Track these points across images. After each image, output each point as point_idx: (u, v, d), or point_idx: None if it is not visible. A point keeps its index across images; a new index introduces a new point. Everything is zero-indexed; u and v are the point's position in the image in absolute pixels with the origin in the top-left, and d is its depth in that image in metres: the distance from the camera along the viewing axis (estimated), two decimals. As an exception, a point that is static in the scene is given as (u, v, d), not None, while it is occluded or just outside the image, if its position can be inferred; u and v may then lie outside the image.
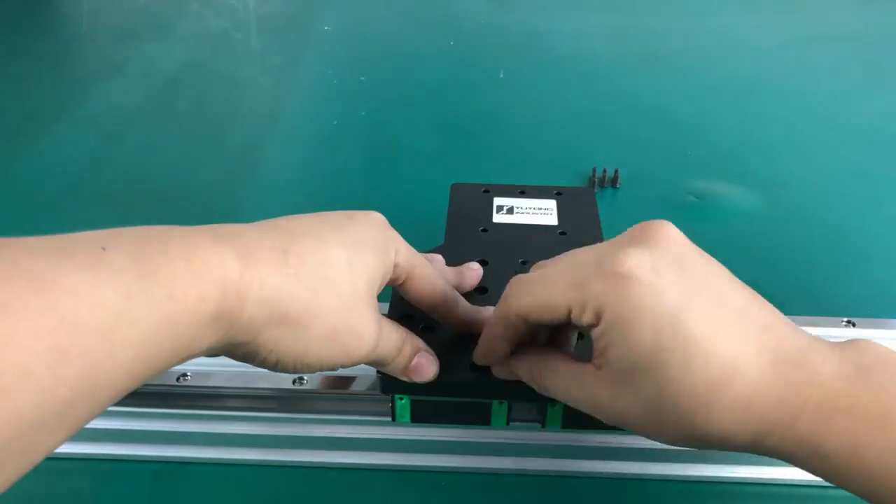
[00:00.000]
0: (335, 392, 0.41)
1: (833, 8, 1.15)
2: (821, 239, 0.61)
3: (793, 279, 0.57)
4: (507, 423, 0.38)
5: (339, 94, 0.89)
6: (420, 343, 0.35)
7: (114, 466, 0.42)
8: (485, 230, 0.47)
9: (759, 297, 0.30)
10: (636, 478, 0.42)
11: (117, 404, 0.42)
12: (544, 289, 0.30)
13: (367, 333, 0.31)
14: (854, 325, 0.46)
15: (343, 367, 0.32)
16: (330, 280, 0.30)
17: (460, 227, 0.46)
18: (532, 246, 0.45)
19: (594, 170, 0.68)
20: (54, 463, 0.41)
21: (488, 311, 0.37)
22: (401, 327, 0.34)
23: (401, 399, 0.37)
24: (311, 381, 0.41)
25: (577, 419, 0.37)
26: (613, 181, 0.68)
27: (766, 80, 0.92)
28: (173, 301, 0.24)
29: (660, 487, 0.41)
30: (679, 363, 0.27)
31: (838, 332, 0.45)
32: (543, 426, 0.38)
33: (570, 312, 0.29)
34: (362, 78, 0.93)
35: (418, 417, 0.38)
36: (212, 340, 0.27)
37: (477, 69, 0.95)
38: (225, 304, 0.26)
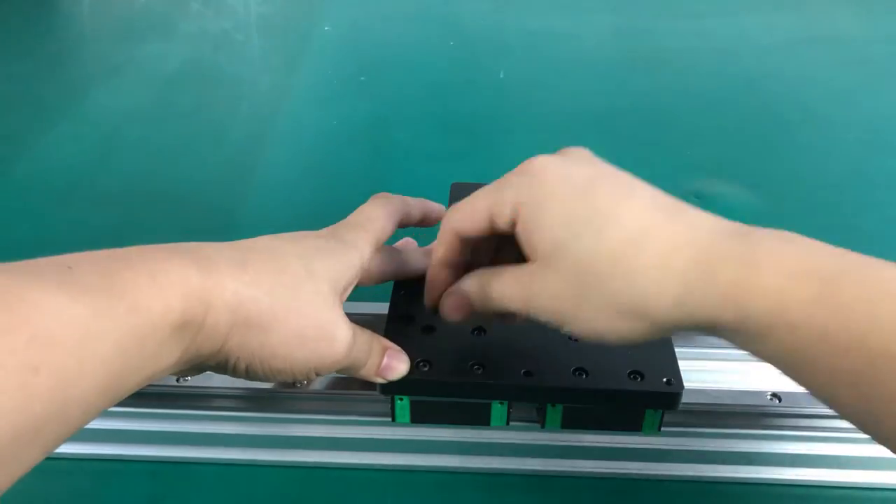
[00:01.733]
0: (335, 392, 0.41)
1: (833, 8, 1.15)
2: (820, 239, 0.61)
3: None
4: (507, 423, 0.38)
5: (339, 94, 0.89)
6: (387, 342, 0.36)
7: (113, 466, 0.42)
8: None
9: (680, 204, 0.30)
10: (636, 478, 0.41)
11: (118, 405, 0.43)
12: (468, 203, 0.33)
13: (339, 337, 0.32)
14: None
15: (318, 373, 0.32)
16: (288, 286, 0.30)
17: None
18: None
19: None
20: (54, 463, 0.41)
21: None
22: (366, 329, 0.35)
23: (401, 399, 0.37)
24: (310, 382, 0.41)
25: (577, 419, 0.37)
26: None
27: (765, 80, 0.92)
28: (138, 313, 0.25)
29: (660, 487, 0.41)
30: (592, 232, 0.28)
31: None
32: (543, 426, 0.38)
33: (492, 219, 0.31)
34: (362, 78, 0.93)
35: (418, 417, 0.38)
36: (179, 352, 0.27)
37: (477, 69, 0.95)
38: (188, 312, 0.27)
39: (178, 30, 1.09)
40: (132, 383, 0.26)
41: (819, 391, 0.25)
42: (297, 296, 0.30)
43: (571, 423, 0.38)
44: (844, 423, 0.40)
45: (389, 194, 0.39)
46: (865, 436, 0.38)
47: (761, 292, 0.25)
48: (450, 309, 0.34)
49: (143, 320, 0.25)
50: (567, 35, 1.05)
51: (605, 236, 0.28)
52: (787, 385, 0.43)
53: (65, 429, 0.23)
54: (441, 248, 0.34)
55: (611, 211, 0.28)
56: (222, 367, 0.30)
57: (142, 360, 0.25)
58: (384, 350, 0.35)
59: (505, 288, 0.31)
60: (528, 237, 0.30)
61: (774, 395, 0.41)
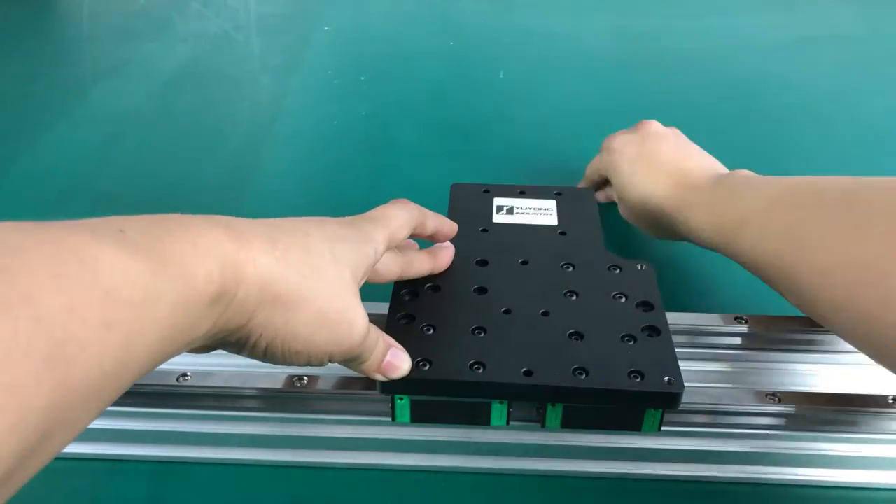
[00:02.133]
0: (335, 392, 0.41)
1: (833, 8, 1.15)
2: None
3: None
4: (507, 423, 0.38)
5: (339, 94, 0.89)
6: (391, 340, 0.36)
7: (113, 466, 0.42)
8: (485, 230, 0.47)
9: (693, 153, 0.53)
10: (636, 478, 0.41)
11: (117, 404, 0.43)
12: (592, 163, 0.60)
13: (357, 322, 0.32)
14: (854, 325, 0.45)
15: (332, 359, 0.32)
16: (315, 267, 0.31)
17: (460, 227, 0.46)
18: (532, 246, 0.45)
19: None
20: (54, 463, 0.41)
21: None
22: (377, 328, 0.35)
23: (401, 399, 0.37)
24: (311, 382, 0.41)
25: (577, 419, 0.37)
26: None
27: (766, 80, 0.92)
28: (185, 279, 0.25)
29: (660, 487, 0.41)
30: (629, 189, 0.53)
31: (838, 332, 0.45)
32: (543, 426, 0.38)
33: (599, 173, 0.59)
34: (362, 78, 0.93)
35: (418, 417, 0.38)
36: (210, 323, 0.27)
37: (477, 69, 0.95)
38: (224, 283, 0.27)
39: (178, 30, 1.09)
40: (173, 350, 0.26)
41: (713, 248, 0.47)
42: (322, 277, 0.31)
43: (571, 422, 0.38)
44: (845, 423, 0.40)
45: (409, 201, 0.40)
46: (865, 436, 0.38)
47: (690, 200, 0.48)
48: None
49: (190, 287, 0.25)
50: (567, 35, 1.05)
51: (635, 191, 0.52)
52: (787, 385, 0.43)
53: (120, 389, 0.23)
54: (585, 182, 0.62)
55: (639, 180, 0.52)
56: (242, 344, 0.30)
57: (186, 327, 0.25)
58: (388, 347, 0.35)
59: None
60: (615, 183, 0.56)
61: (774, 395, 0.41)
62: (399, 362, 0.35)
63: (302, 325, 0.30)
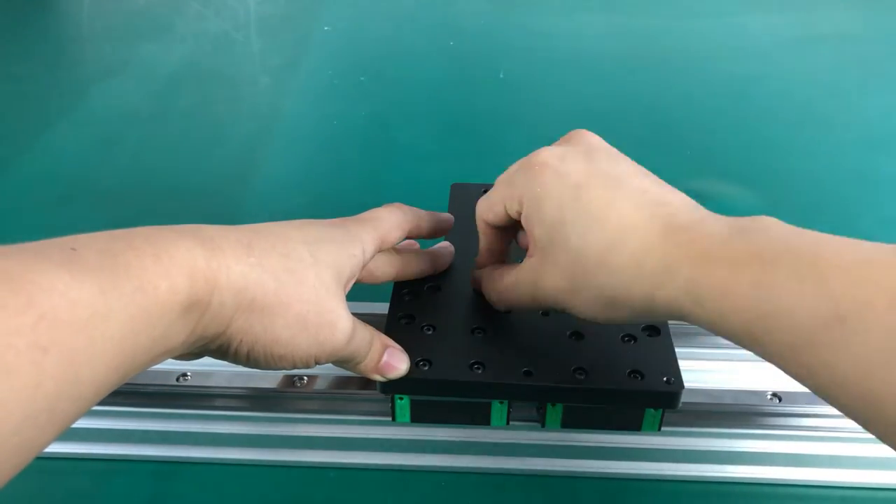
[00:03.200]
0: (335, 392, 0.41)
1: (833, 8, 1.15)
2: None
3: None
4: (507, 423, 0.38)
5: (339, 94, 0.89)
6: (388, 340, 0.36)
7: (114, 466, 0.42)
8: (485, 230, 0.47)
9: (666, 185, 0.34)
10: (636, 478, 0.41)
11: (116, 404, 0.43)
12: (489, 195, 0.37)
13: (340, 325, 0.32)
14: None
15: (318, 361, 0.32)
16: (293, 271, 0.31)
17: (460, 227, 0.46)
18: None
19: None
20: (54, 463, 0.41)
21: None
22: (368, 325, 0.35)
23: (401, 399, 0.37)
24: (311, 382, 0.41)
25: (577, 419, 0.37)
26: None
27: (766, 79, 0.92)
28: (145, 293, 0.25)
29: (660, 487, 0.41)
30: (580, 231, 0.31)
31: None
32: (543, 426, 0.38)
33: (506, 210, 0.35)
34: (362, 78, 0.93)
35: (418, 417, 0.38)
36: (186, 333, 0.27)
37: (477, 69, 0.95)
38: (194, 293, 0.27)
39: (178, 30, 1.08)
40: (142, 362, 0.26)
41: (772, 362, 0.27)
42: (301, 280, 0.31)
43: (571, 422, 0.38)
44: (845, 423, 0.40)
45: (402, 204, 0.40)
46: (865, 436, 0.38)
47: (710, 284, 0.28)
48: (487, 294, 0.39)
49: (150, 300, 0.25)
50: (567, 35, 1.05)
51: (590, 237, 0.31)
52: (787, 385, 0.43)
53: (77, 407, 0.23)
54: (481, 236, 0.39)
55: (597, 213, 0.31)
56: (224, 351, 0.30)
57: (151, 339, 0.26)
58: (384, 347, 0.35)
59: (509, 279, 0.36)
60: (530, 230, 0.34)
61: (774, 395, 0.41)
62: (397, 362, 0.35)
63: (281, 330, 0.30)
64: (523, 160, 0.36)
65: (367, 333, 0.34)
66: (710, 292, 0.28)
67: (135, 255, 0.26)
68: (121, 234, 0.27)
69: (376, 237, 0.36)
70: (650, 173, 0.34)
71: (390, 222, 0.37)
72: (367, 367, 0.35)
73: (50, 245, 0.25)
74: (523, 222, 0.34)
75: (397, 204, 0.39)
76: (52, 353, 0.21)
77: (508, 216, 0.36)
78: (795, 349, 0.25)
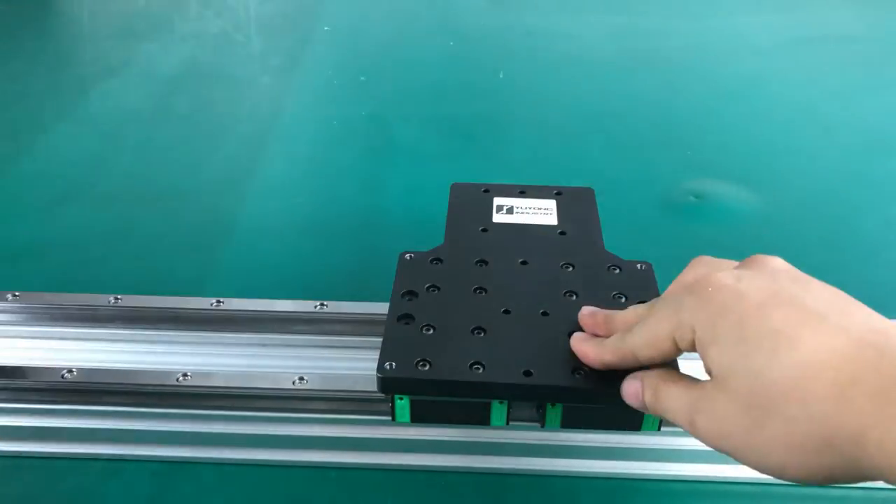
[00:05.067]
0: (335, 392, 0.41)
1: (833, 8, 1.15)
2: (820, 239, 0.61)
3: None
4: (507, 423, 0.38)
5: (339, 94, 0.89)
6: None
7: (114, 466, 0.42)
8: (485, 230, 0.47)
9: (876, 314, 0.28)
10: (636, 478, 0.42)
11: (116, 404, 0.43)
12: (649, 329, 0.31)
13: None
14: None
15: None
16: None
17: (460, 227, 0.46)
18: (532, 246, 0.45)
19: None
20: (54, 463, 0.41)
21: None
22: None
23: (401, 399, 0.37)
24: (310, 382, 0.41)
25: (577, 419, 0.37)
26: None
27: (766, 80, 0.92)
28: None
29: (660, 487, 0.41)
30: (765, 353, 0.26)
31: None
32: (543, 426, 0.38)
33: (675, 342, 0.30)
34: (362, 78, 0.93)
35: (418, 417, 0.38)
36: None
37: (477, 69, 0.95)
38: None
39: (178, 30, 1.08)
40: None
41: None
42: None
43: (571, 422, 0.38)
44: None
45: None
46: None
47: None
48: (626, 395, 0.33)
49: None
50: (567, 35, 1.05)
51: (778, 359, 0.26)
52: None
53: None
54: (614, 360, 0.33)
55: (787, 331, 0.26)
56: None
57: None
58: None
59: (672, 398, 0.31)
60: (704, 356, 0.29)
61: (774, 395, 0.41)
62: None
63: None
64: (687, 284, 0.31)
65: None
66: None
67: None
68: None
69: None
70: (853, 299, 0.29)
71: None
72: None
73: None
74: (697, 348, 0.29)
75: None
76: None
77: (677, 349, 0.30)
78: None
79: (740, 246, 0.61)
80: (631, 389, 0.33)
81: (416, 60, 0.98)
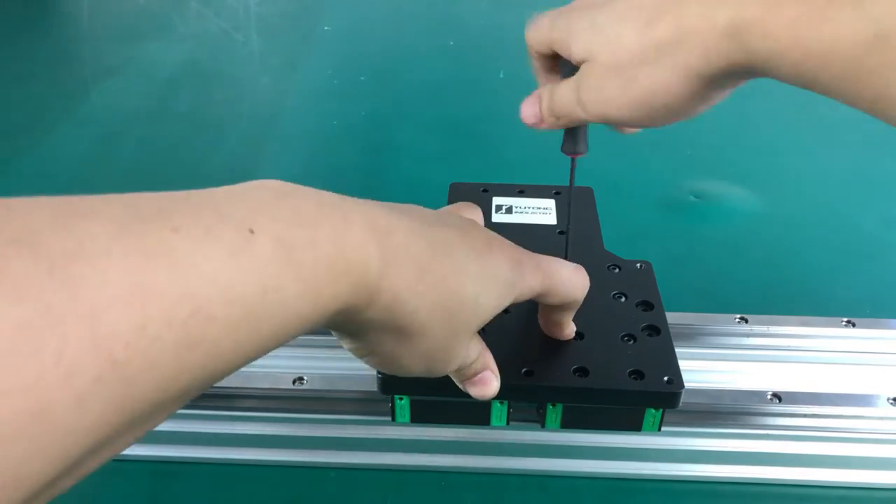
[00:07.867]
0: (335, 392, 0.41)
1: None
2: (820, 239, 0.61)
3: (792, 279, 0.56)
4: (507, 423, 0.38)
5: (339, 94, 0.89)
6: (490, 362, 0.34)
7: (113, 466, 0.42)
8: (485, 230, 0.47)
9: None
10: (636, 478, 0.42)
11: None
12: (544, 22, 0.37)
13: (455, 360, 0.31)
14: (854, 325, 0.46)
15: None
16: (451, 311, 0.28)
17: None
18: (531, 245, 0.45)
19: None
20: (54, 463, 0.41)
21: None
22: (481, 341, 0.33)
23: (401, 399, 0.37)
24: (310, 382, 0.41)
25: (577, 419, 0.37)
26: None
27: (765, 79, 0.91)
28: (305, 299, 0.23)
29: (660, 487, 0.41)
30: (614, 28, 0.32)
31: (838, 332, 0.45)
32: (543, 426, 0.38)
33: (555, 54, 0.36)
34: (362, 78, 0.93)
35: (418, 417, 0.38)
36: (317, 326, 0.25)
37: (477, 69, 0.95)
38: (351, 302, 0.25)
39: (178, 30, 1.09)
40: (269, 349, 0.24)
41: (846, 103, 0.28)
42: (451, 322, 0.29)
43: (571, 422, 0.38)
44: (845, 423, 0.40)
45: (582, 268, 0.35)
46: (865, 436, 0.38)
47: (749, 23, 0.28)
48: (525, 115, 0.39)
49: (308, 306, 0.23)
50: (567, 35, 1.05)
51: (625, 28, 0.31)
52: (787, 385, 0.43)
53: (200, 393, 0.22)
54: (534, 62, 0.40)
55: (625, 14, 0.31)
56: (344, 339, 0.29)
57: (287, 336, 0.23)
58: (484, 367, 0.33)
59: (562, 92, 0.36)
60: (571, 52, 0.34)
61: (774, 395, 0.41)
62: (486, 384, 0.33)
63: (408, 356, 0.29)
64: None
65: (474, 352, 0.32)
66: (751, 35, 0.28)
67: (312, 255, 0.23)
68: (311, 215, 0.25)
69: (540, 293, 0.32)
70: None
71: (569, 286, 0.33)
72: (458, 377, 0.33)
73: (231, 216, 0.23)
74: (569, 50, 0.34)
75: (583, 272, 0.34)
76: (197, 351, 0.20)
77: (554, 53, 0.37)
78: (850, 81, 0.26)
79: (741, 245, 0.61)
80: (528, 107, 0.40)
81: (416, 60, 0.98)
